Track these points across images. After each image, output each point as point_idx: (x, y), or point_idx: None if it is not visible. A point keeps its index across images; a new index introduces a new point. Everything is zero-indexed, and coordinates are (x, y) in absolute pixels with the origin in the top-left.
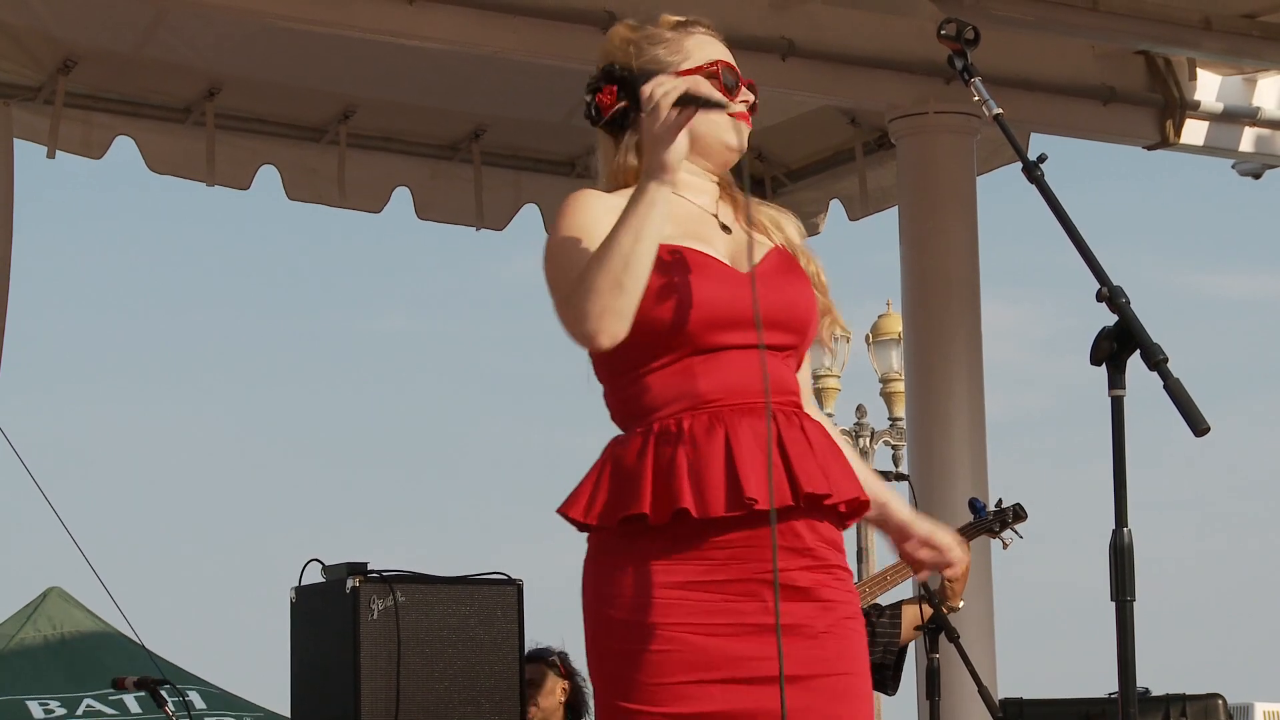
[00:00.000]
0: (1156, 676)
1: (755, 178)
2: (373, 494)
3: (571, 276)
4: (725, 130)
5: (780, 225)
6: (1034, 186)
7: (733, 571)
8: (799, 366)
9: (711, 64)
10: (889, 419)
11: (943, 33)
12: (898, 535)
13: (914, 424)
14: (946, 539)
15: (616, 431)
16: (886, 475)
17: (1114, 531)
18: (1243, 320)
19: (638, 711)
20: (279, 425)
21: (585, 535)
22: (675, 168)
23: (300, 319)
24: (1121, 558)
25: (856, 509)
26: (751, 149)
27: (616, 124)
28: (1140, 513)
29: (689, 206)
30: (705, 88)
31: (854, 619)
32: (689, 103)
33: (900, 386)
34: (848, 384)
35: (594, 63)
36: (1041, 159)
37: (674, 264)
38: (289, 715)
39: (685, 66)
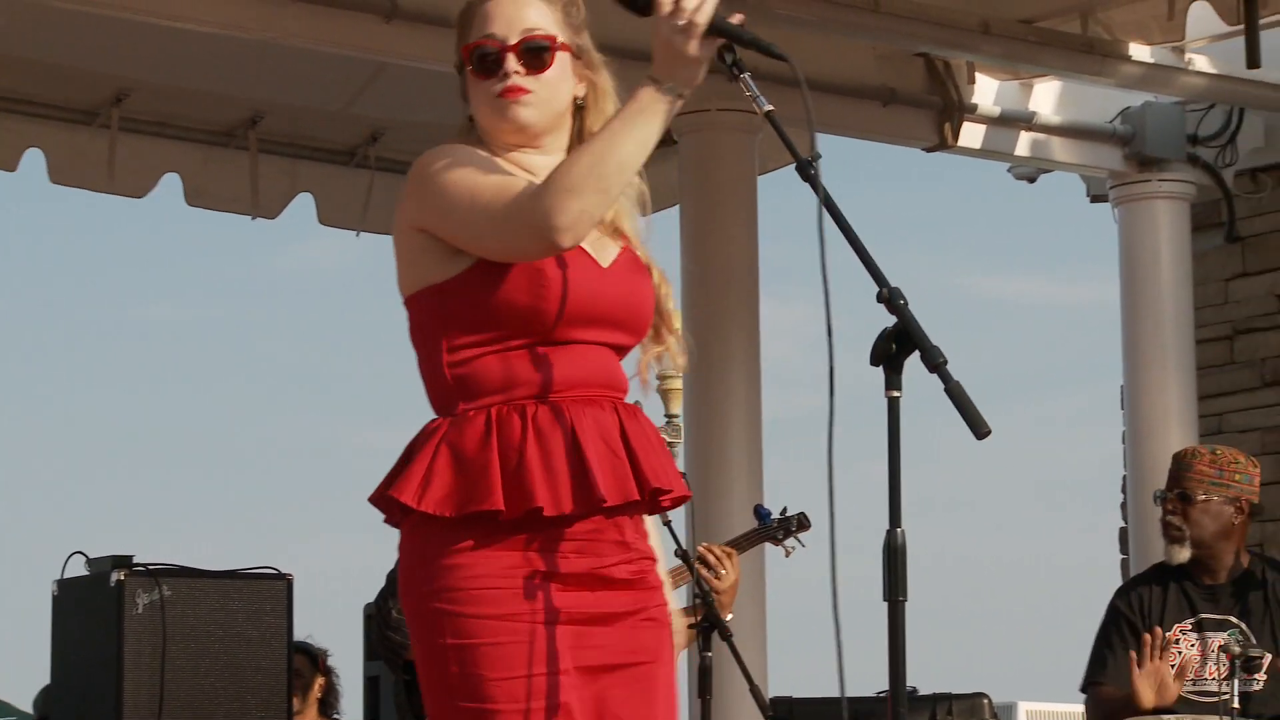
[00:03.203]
0: (924, 676)
1: None
2: (139, 486)
3: (487, 183)
4: (490, 112)
5: (628, 213)
6: (809, 185)
7: (575, 565)
8: None
9: (469, 45)
10: (665, 416)
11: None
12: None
13: (691, 422)
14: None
15: (417, 411)
16: None
17: (888, 531)
18: (1015, 322)
19: (491, 711)
20: (40, 413)
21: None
22: (690, 89)
23: (63, 306)
24: (894, 558)
25: (678, 503)
26: None
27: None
28: (911, 513)
29: None
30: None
31: (664, 605)
32: (716, 32)
33: (677, 384)
34: None
35: (372, 52)
36: (816, 158)
37: None
38: (47, 714)
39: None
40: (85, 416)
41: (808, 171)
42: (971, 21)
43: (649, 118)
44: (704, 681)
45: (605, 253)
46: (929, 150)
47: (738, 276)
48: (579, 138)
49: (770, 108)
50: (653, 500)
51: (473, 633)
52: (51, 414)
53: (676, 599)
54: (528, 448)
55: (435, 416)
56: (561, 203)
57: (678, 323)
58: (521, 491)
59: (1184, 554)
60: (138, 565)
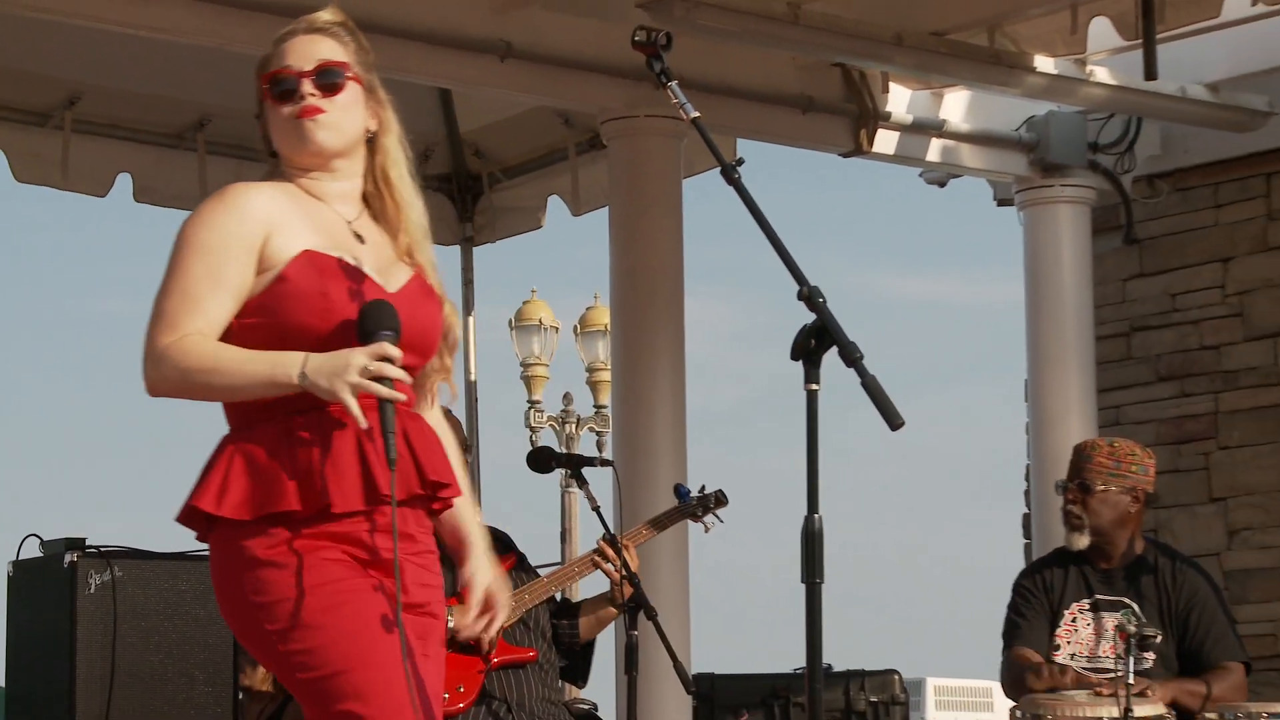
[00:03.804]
0: (838, 653)
1: (473, 173)
2: (93, 472)
3: (180, 302)
4: (288, 135)
5: (421, 245)
6: (732, 188)
7: (364, 556)
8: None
9: (268, 74)
10: (594, 406)
11: (636, 39)
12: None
13: (618, 412)
14: (481, 590)
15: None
16: (591, 460)
17: (805, 517)
18: (926, 319)
19: (332, 674)
20: None
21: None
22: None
23: (16, 301)
24: (812, 542)
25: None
26: (469, 146)
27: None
28: (826, 499)
29: (331, 215)
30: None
31: (443, 600)
32: (385, 403)
33: (606, 376)
34: (555, 372)
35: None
36: (739, 163)
37: (329, 273)
38: (3, 686)
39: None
40: (40, 405)
41: (731, 175)
42: (886, 34)
43: (269, 383)
44: (630, 659)
45: (394, 279)
46: (845, 155)
47: (663, 274)
48: (370, 170)
49: (696, 114)
50: (434, 496)
51: (290, 616)
52: (7, 403)
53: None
54: (315, 451)
55: (229, 432)
56: (165, 375)
57: (453, 357)
58: (312, 491)
59: (1083, 541)
60: (90, 547)
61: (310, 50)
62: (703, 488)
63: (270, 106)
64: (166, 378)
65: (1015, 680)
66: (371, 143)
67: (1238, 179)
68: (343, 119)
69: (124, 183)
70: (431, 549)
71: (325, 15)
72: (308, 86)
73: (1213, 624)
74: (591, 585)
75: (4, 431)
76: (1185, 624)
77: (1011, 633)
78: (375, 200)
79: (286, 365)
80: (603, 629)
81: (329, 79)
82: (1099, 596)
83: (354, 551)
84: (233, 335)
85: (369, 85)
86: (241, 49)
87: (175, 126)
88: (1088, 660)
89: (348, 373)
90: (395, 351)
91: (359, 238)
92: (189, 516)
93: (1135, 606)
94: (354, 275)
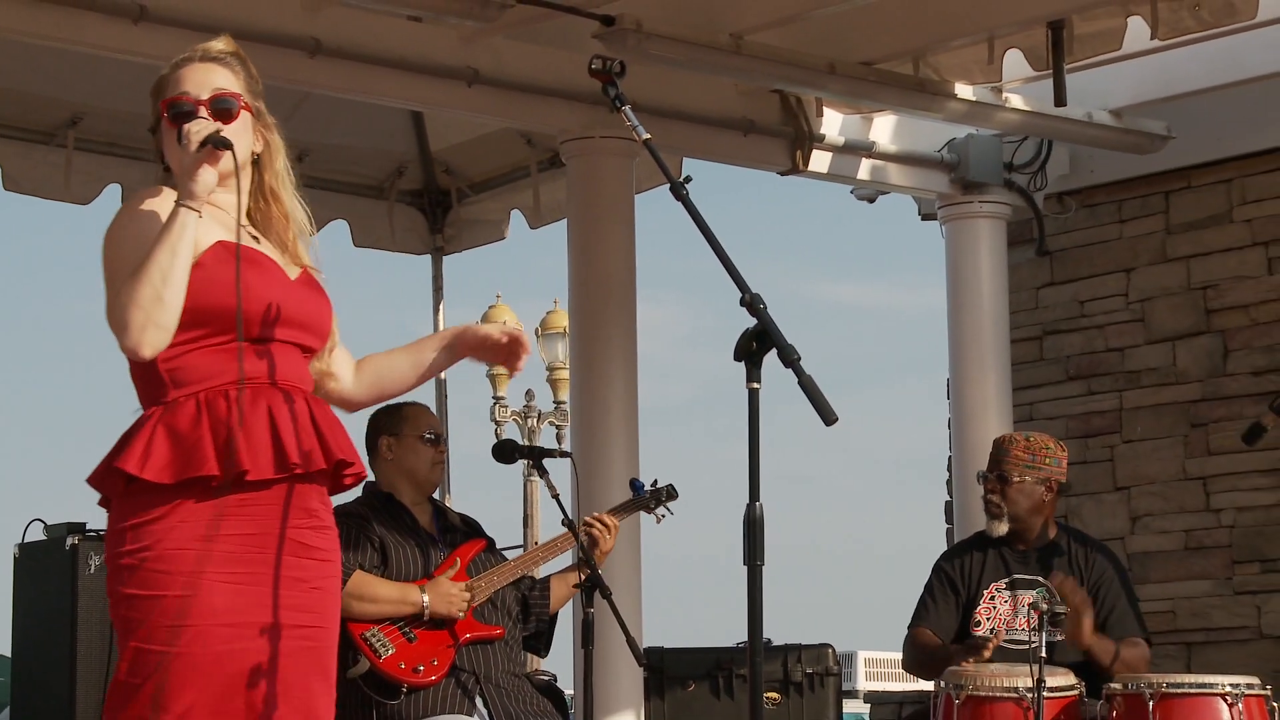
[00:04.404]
0: (777, 629)
1: (443, 189)
2: (92, 461)
3: (117, 288)
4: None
5: (304, 249)
6: (680, 204)
7: (262, 527)
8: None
9: (167, 100)
10: (554, 402)
11: (593, 67)
12: (476, 349)
13: (576, 408)
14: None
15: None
16: (551, 452)
17: (747, 505)
18: (857, 323)
19: (156, 651)
20: (4, 396)
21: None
22: (203, 196)
23: (16, 302)
24: (753, 528)
25: (359, 479)
26: (439, 164)
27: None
28: (768, 485)
29: (229, 218)
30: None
31: (338, 574)
32: (211, 143)
33: (565, 374)
34: None
35: (298, 83)
36: (687, 180)
37: (245, 259)
38: (10, 657)
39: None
40: (43, 399)
41: (679, 192)
42: (820, 63)
43: (169, 228)
44: (587, 634)
45: (291, 270)
46: (783, 174)
47: (617, 281)
48: (259, 187)
49: (647, 136)
50: (337, 473)
51: (156, 583)
52: (11, 397)
53: (562, 561)
54: (233, 423)
55: (143, 410)
56: (126, 319)
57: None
58: (230, 459)
59: (1002, 528)
60: (90, 531)
61: (205, 79)
62: (655, 482)
63: (168, 129)
64: (132, 319)
65: (913, 658)
66: (258, 162)
67: (1139, 196)
68: (235, 143)
69: (112, 191)
70: (330, 525)
71: (219, 45)
72: (204, 114)
73: (1117, 602)
74: (551, 570)
75: (12, 424)
76: (1093, 601)
77: (919, 613)
78: (259, 212)
79: (172, 212)
80: (566, 601)
81: (223, 106)
82: (1016, 576)
83: (244, 524)
84: None
85: (257, 111)
86: None
87: None
88: (1005, 634)
89: (185, 162)
90: (201, 118)
91: (254, 238)
92: (104, 478)
93: (1049, 585)
94: (264, 261)
